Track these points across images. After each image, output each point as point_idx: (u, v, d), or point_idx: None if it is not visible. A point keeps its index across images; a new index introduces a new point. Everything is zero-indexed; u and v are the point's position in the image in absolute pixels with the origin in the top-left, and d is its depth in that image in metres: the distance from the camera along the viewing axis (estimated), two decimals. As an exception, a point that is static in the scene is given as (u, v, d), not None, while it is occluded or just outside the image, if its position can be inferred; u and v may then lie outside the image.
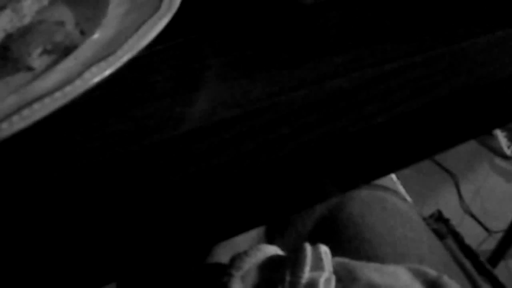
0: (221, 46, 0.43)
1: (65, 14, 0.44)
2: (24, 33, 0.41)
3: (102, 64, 0.34)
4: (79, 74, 0.34)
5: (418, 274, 0.52)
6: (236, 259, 0.55)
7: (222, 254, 0.70)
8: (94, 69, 0.34)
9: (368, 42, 0.44)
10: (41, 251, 0.34)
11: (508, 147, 2.15)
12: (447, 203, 1.98)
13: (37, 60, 0.40)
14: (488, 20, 0.47)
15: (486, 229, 1.92)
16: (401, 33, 0.45)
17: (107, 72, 0.34)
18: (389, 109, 0.40)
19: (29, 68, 0.39)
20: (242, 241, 0.71)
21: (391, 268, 0.53)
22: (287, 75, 0.41)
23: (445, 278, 0.51)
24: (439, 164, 2.07)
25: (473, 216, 1.96)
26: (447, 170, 2.07)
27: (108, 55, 0.35)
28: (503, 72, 0.43)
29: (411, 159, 0.47)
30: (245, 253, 0.55)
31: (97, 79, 0.34)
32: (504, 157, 2.15)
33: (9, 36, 0.41)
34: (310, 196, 0.44)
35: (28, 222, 0.33)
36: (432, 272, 0.52)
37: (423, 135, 0.45)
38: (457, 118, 0.45)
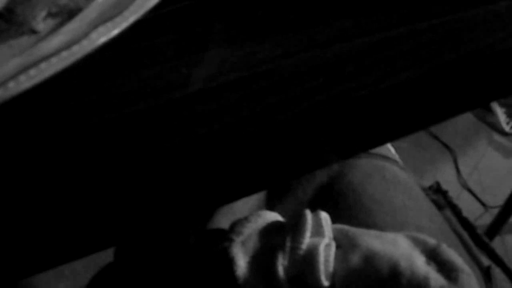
0: (227, 9, 0.43)
1: (69, -22, 0.43)
2: (28, -4, 0.41)
3: (109, 24, 0.34)
4: (86, 34, 0.34)
5: (417, 242, 0.52)
6: (237, 224, 0.55)
7: (223, 221, 0.70)
8: (100, 29, 0.34)
9: (375, 7, 0.44)
10: (45, 209, 0.34)
11: (507, 123, 2.15)
12: (445, 178, 1.98)
13: (41, 23, 0.39)
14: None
15: (483, 204, 1.93)
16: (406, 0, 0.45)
17: (114, 32, 0.34)
18: (393, 75, 0.40)
19: (33, 31, 0.39)
20: (242, 208, 0.72)
21: (390, 235, 0.53)
22: (293, 38, 0.41)
23: (444, 246, 0.51)
24: (437, 139, 2.08)
25: (470, 191, 1.97)
26: (445, 145, 2.08)
27: (115, 15, 0.35)
28: (506, 43, 0.44)
29: (412, 127, 0.47)
30: (246, 218, 0.56)
31: (103, 39, 0.34)
32: (503, 133, 2.16)
33: (13, 0, 0.41)
34: (310, 162, 0.44)
35: (34, 182, 0.34)
36: (431, 240, 0.52)
37: (424, 103, 0.45)
38: (458, 87, 0.45)
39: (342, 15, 0.43)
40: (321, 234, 0.52)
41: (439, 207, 0.74)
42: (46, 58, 0.33)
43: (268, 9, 0.43)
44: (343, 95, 0.39)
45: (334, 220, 0.55)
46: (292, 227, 0.53)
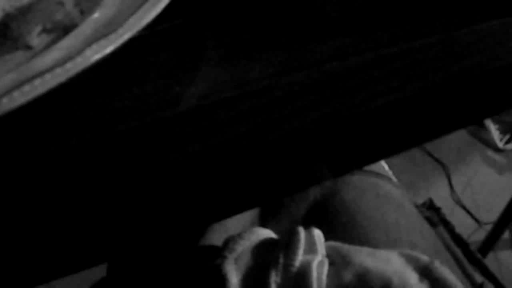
0: (220, 28, 0.43)
1: (64, -6, 0.43)
2: (24, 12, 0.41)
3: (103, 41, 0.34)
4: (80, 51, 0.34)
5: (410, 259, 0.52)
6: (230, 241, 0.55)
7: (215, 237, 0.70)
8: (94, 46, 0.34)
9: (367, 27, 0.44)
10: (39, 224, 0.34)
11: (500, 140, 2.16)
12: (439, 194, 1.99)
13: (36, 39, 0.39)
14: (485, 9, 0.47)
15: (477, 220, 1.94)
16: (399, 19, 0.45)
17: (108, 50, 0.34)
18: (386, 94, 0.40)
19: (28, 47, 0.39)
20: (235, 225, 0.72)
21: (383, 253, 0.53)
22: (286, 56, 0.41)
23: (437, 263, 0.51)
24: (431, 155, 2.08)
25: (464, 207, 1.97)
26: (439, 161, 2.08)
27: (109, 33, 0.35)
28: (497, 62, 0.44)
29: (405, 145, 0.47)
30: (239, 235, 0.56)
31: (97, 56, 0.34)
32: (496, 149, 2.17)
33: (8, 15, 0.41)
34: (303, 179, 0.44)
35: (27, 198, 0.34)
36: (424, 258, 0.52)
37: (418, 121, 0.45)
38: (451, 105, 0.45)
39: (335, 34, 0.43)
40: (314, 251, 0.52)
41: (432, 224, 0.74)
42: (40, 74, 0.33)
43: (260, 28, 0.43)
44: (336, 113, 0.39)
45: (327, 237, 0.55)
46: (285, 244, 0.53)
